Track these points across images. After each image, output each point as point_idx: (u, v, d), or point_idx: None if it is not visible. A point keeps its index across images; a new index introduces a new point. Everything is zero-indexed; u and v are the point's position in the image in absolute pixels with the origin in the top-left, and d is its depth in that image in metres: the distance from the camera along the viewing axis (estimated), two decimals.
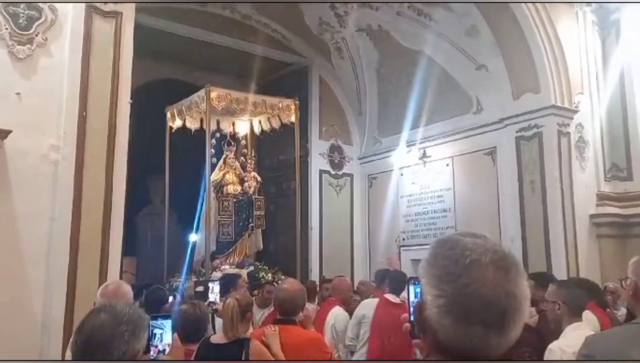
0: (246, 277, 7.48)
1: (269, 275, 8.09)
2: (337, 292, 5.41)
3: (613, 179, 7.95)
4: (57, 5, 4.77)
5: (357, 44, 9.69)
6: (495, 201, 8.26)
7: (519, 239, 7.67)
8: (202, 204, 8.47)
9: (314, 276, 9.36)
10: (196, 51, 9.82)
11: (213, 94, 8.03)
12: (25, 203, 4.50)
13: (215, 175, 8.75)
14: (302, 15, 9.29)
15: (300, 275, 8.11)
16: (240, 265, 8.37)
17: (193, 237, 8.98)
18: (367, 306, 5.11)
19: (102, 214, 4.76)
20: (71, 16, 4.83)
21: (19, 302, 4.38)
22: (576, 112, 7.74)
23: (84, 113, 4.75)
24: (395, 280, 5.03)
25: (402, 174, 9.83)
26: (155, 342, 2.35)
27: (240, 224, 8.64)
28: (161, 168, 9.26)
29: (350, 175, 10.62)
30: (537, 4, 7.50)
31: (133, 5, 5.16)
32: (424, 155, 9.26)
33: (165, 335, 2.43)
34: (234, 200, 8.68)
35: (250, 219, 8.70)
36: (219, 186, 8.73)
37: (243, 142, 9.54)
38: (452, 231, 8.82)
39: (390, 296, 4.92)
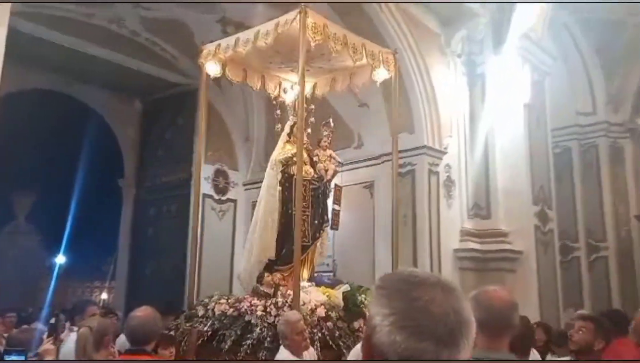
0: (341, 301, 5.21)
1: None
2: None
3: (475, 217, 8.67)
4: None
5: None
6: (371, 232, 8.66)
7: (389, 269, 8.10)
8: (73, 216, 7.45)
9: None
10: (78, 63, 9.38)
11: (310, 20, 5.02)
12: None
13: (281, 150, 6.05)
14: (192, 36, 9.24)
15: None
16: (319, 282, 5.78)
17: (60, 259, 8.35)
18: None
19: None
20: None
21: None
22: (445, 153, 8.42)
23: None
24: None
25: None
26: None
27: (316, 222, 5.95)
28: (29, 181, 8.63)
29: (234, 201, 10.59)
30: (415, 52, 8.12)
31: (8, 10, 4.86)
32: None
33: None
34: (311, 186, 6.02)
35: (326, 216, 6.13)
36: (285, 167, 5.95)
37: (311, 107, 6.46)
38: (330, 260, 9.09)
39: None
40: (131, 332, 3.31)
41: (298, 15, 4.98)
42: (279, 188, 5.71)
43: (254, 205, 10.58)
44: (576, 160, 10.80)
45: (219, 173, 10.43)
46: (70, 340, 3.87)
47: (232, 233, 10.41)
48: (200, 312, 5.32)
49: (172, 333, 4.92)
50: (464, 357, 0.98)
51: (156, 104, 10.88)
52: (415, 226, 8.04)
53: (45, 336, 4.04)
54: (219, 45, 5.84)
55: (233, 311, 5.03)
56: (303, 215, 5.45)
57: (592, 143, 10.86)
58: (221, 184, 10.43)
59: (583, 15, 10.03)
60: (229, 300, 5.30)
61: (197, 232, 5.91)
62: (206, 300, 5.53)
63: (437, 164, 8.33)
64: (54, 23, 8.42)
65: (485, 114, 8.74)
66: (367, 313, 1.06)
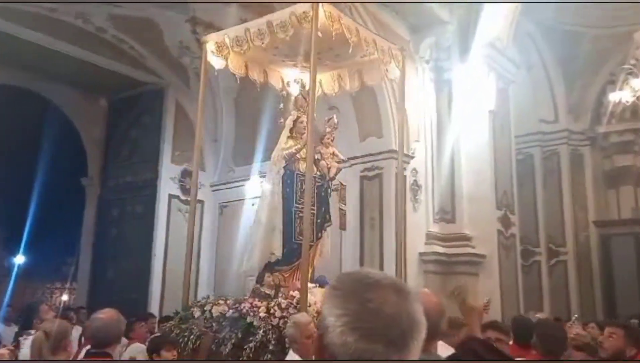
0: None
1: None
2: None
3: (440, 221, 8.80)
4: None
5: (217, 71, 9.73)
6: (338, 234, 8.69)
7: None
8: (34, 215, 7.24)
9: (154, 305, 9.00)
10: (41, 59, 9.14)
11: (326, 11, 4.86)
12: None
13: (286, 144, 5.77)
14: (162, 35, 9.13)
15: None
16: (322, 283, 5.54)
17: (19, 259, 8.12)
18: None
19: None
20: None
21: None
22: (412, 158, 8.51)
23: None
24: None
25: (253, 204, 9.92)
26: None
27: (319, 221, 5.77)
28: None
29: (202, 201, 10.48)
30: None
31: None
32: None
33: None
34: (317, 183, 5.78)
35: (328, 215, 5.94)
36: (289, 162, 5.69)
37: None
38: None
39: None
40: (93, 334, 3.24)
41: (312, 6, 4.79)
42: (281, 184, 5.50)
43: (221, 206, 10.60)
44: (538, 166, 11.10)
45: (185, 174, 10.31)
46: (26, 345, 3.78)
47: (198, 235, 10.29)
48: (197, 314, 5.00)
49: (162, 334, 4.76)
50: (413, 358, 0.99)
51: (122, 103, 10.69)
52: (382, 230, 8.11)
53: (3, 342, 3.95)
54: (227, 35, 5.50)
55: (233, 312, 4.74)
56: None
57: (554, 150, 11.18)
58: (188, 184, 10.31)
59: (546, 26, 10.32)
60: (228, 302, 5.03)
61: (192, 233, 5.76)
62: (202, 301, 5.27)
63: (405, 168, 8.42)
64: (16, 16, 8.19)
65: (452, 120, 8.89)
66: (321, 313, 1.04)
